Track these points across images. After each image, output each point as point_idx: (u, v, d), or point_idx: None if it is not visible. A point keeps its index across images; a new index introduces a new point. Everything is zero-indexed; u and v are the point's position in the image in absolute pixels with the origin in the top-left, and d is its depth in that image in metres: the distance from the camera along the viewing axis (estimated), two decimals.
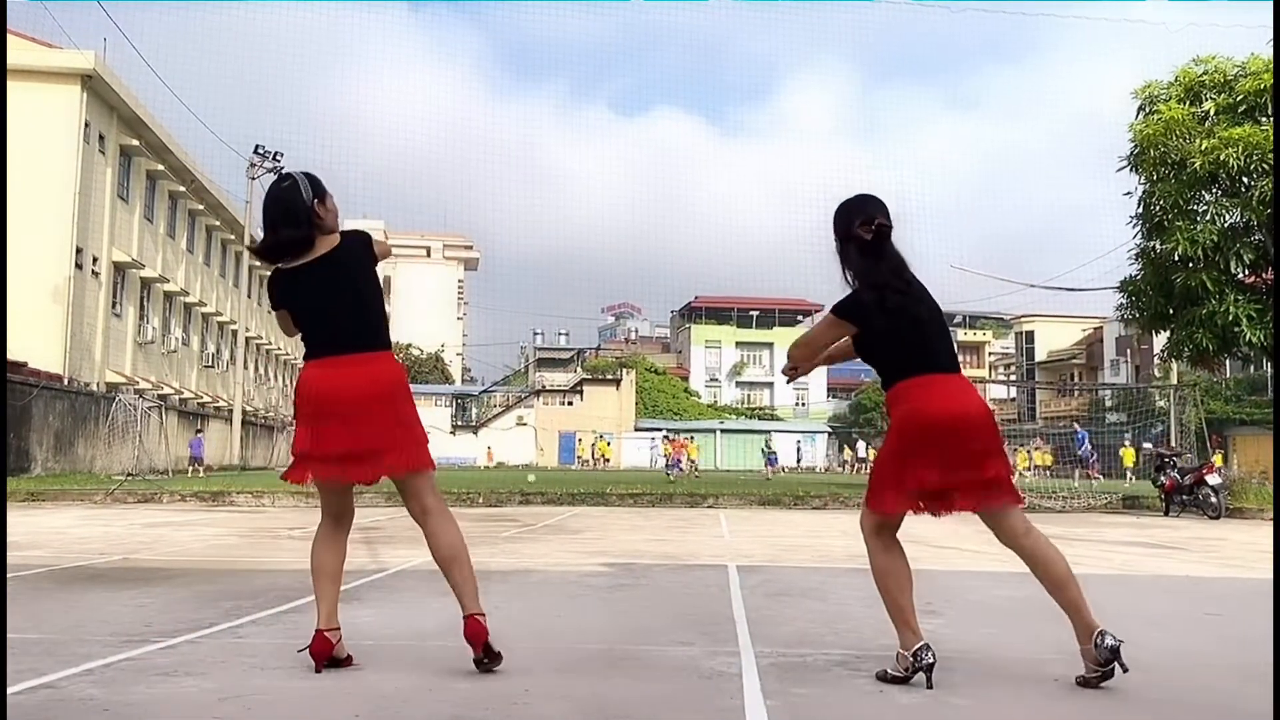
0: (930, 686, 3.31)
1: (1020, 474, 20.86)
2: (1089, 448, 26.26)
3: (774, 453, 37.53)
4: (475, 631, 3.43)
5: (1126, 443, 29.10)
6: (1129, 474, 28.36)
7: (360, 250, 3.69)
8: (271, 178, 36.64)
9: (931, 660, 3.33)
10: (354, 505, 3.78)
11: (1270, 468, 18.99)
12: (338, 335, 3.58)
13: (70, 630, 4.27)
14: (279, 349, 53.98)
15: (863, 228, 3.47)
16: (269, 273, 3.81)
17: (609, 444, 56.95)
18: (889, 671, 3.44)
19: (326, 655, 3.48)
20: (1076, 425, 33.05)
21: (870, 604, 5.54)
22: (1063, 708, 3.20)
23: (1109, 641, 3.27)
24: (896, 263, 3.50)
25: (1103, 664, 3.28)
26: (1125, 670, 3.29)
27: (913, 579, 3.52)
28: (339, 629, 3.57)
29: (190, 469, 26.39)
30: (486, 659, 3.45)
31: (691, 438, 44.27)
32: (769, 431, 65.63)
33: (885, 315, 3.45)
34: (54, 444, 24.67)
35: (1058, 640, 4.39)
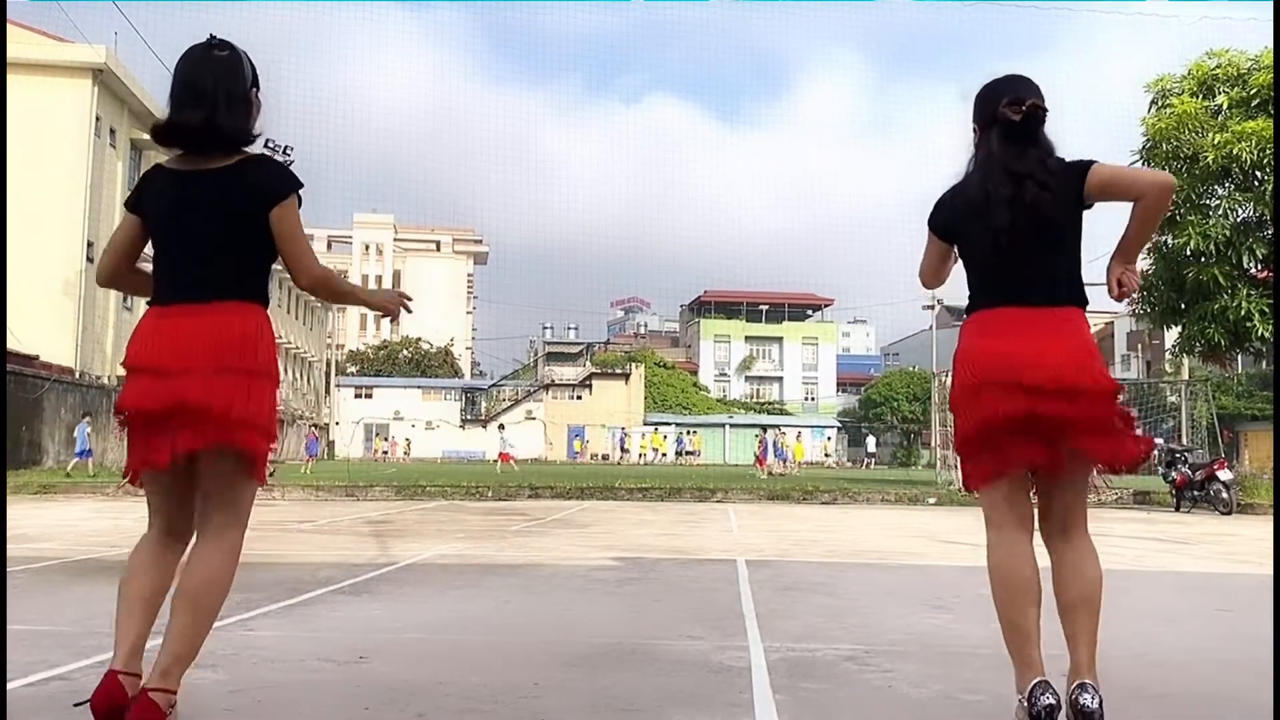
0: None
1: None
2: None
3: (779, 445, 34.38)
4: (143, 711, 2.34)
5: None
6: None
7: (271, 188, 2.63)
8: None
9: (1051, 702, 2.57)
10: (192, 511, 2.69)
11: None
12: (190, 279, 2.62)
13: (82, 622, 4.30)
14: (289, 343, 54.12)
15: (1011, 107, 2.79)
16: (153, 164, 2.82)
17: (664, 438, 56.72)
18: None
19: (116, 701, 2.42)
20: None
21: (878, 599, 5.54)
22: None
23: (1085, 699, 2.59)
24: (1047, 150, 2.81)
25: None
26: None
27: (1038, 594, 2.70)
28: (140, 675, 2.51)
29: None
30: None
31: (325, 426, 40.79)
32: (776, 426, 65.75)
33: (985, 218, 2.75)
34: (66, 437, 24.78)
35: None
